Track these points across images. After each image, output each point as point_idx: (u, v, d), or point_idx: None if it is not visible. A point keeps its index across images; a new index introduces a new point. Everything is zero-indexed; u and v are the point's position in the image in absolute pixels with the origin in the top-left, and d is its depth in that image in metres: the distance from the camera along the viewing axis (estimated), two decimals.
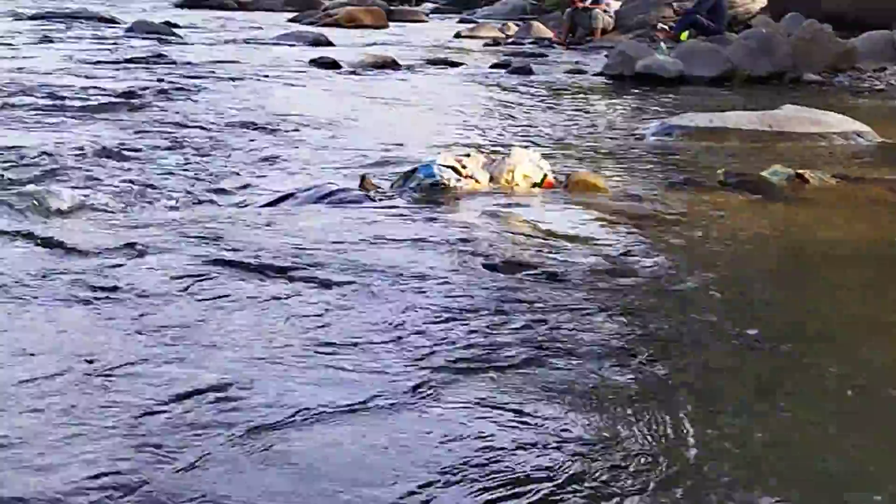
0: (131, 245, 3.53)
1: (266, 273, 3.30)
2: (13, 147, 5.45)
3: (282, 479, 2.01)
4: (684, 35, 14.93)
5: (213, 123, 6.78)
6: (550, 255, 3.61)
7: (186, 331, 2.77)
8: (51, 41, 13.20)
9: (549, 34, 17.77)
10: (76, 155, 5.32)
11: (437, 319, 2.92)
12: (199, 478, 1.99)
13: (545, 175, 4.88)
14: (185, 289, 3.11)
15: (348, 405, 2.33)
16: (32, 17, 17.76)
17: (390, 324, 2.88)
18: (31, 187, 4.35)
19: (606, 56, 12.58)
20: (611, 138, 7.06)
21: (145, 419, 2.22)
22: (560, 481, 2.02)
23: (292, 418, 2.25)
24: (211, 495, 1.93)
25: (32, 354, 2.54)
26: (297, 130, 6.73)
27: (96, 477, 1.96)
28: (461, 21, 23.19)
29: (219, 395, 2.35)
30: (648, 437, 2.22)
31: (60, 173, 4.84)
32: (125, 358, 2.55)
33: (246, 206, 4.52)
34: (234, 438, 2.15)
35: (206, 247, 3.58)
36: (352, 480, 2.00)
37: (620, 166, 5.83)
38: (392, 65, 11.75)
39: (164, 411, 2.25)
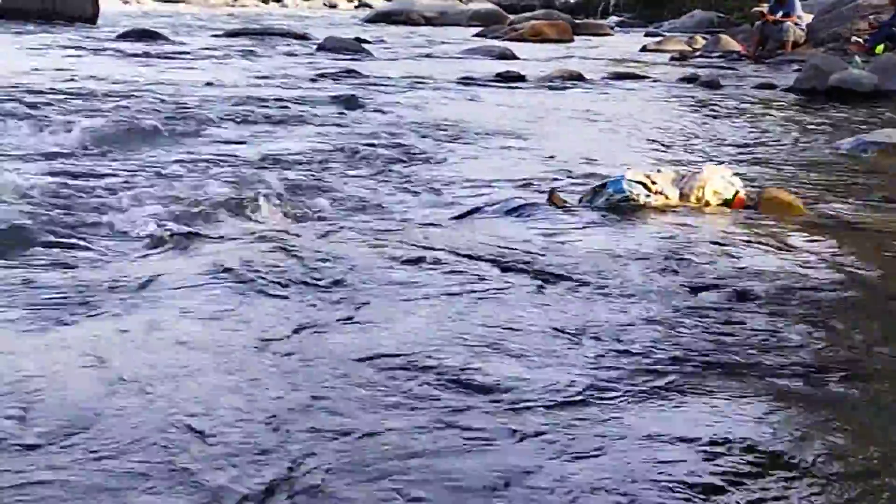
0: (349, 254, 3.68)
1: (470, 275, 3.42)
2: (227, 156, 5.78)
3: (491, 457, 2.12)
4: (880, 48, 14.48)
5: (402, 135, 6.94)
6: (744, 273, 3.56)
7: (411, 324, 2.94)
8: (247, 57, 13.73)
9: (738, 47, 17.48)
10: (283, 164, 5.62)
11: (635, 325, 2.97)
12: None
13: (737, 192, 4.80)
14: (406, 290, 3.24)
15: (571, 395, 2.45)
16: (229, 35, 18.46)
17: (595, 323, 2.97)
18: (254, 195, 4.58)
19: (798, 70, 12.31)
20: (803, 155, 6.90)
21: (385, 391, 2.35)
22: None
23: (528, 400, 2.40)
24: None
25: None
26: (484, 143, 6.83)
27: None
28: (647, 34, 23.04)
29: (447, 374, 2.54)
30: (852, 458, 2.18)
31: (270, 182, 5.05)
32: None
33: (434, 217, 4.60)
34: (459, 413, 2.31)
35: (412, 252, 3.68)
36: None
37: (814, 183, 5.69)
38: (578, 78, 11.78)
39: (398, 390, 2.36)
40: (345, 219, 4.45)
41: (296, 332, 2.83)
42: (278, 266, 3.46)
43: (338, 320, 2.95)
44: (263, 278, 3.32)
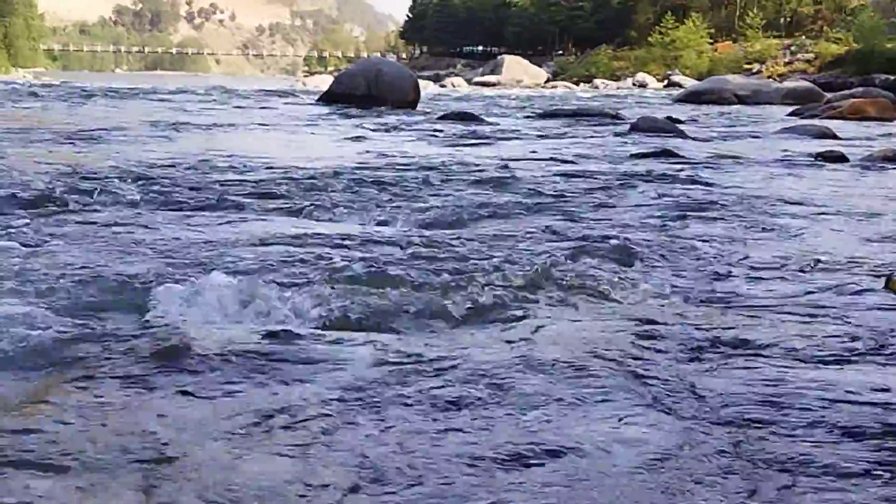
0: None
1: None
2: (563, 231, 6.02)
3: None
4: None
5: (723, 210, 6.97)
6: None
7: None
8: (563, 136, 14.09)
9: None
10: (619, 230, 5.91)
11: None
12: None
13: None
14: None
15: None
16: (541, 115, 18.98)
17: None
18: (579, 270, 4.72)
19: None
20: None
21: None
22: None
23: None
24: None
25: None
26: (811, 222, 6.70)
27: None
28: None
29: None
30: None
31: (615, 254, 5.20)
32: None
33: (775, 292, 4.57)
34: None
35: (712, 334, 3.71)
36: None
37: None
38: None
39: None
40: (691, 289, 4.56)
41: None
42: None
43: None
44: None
